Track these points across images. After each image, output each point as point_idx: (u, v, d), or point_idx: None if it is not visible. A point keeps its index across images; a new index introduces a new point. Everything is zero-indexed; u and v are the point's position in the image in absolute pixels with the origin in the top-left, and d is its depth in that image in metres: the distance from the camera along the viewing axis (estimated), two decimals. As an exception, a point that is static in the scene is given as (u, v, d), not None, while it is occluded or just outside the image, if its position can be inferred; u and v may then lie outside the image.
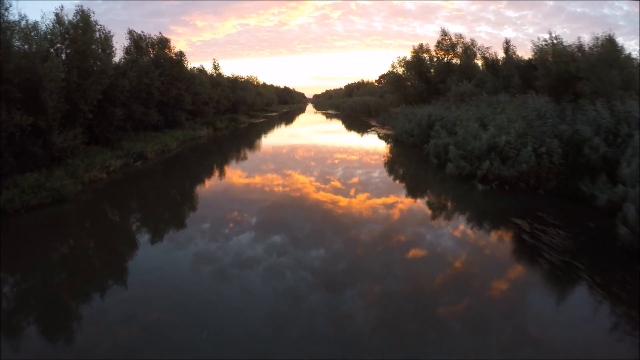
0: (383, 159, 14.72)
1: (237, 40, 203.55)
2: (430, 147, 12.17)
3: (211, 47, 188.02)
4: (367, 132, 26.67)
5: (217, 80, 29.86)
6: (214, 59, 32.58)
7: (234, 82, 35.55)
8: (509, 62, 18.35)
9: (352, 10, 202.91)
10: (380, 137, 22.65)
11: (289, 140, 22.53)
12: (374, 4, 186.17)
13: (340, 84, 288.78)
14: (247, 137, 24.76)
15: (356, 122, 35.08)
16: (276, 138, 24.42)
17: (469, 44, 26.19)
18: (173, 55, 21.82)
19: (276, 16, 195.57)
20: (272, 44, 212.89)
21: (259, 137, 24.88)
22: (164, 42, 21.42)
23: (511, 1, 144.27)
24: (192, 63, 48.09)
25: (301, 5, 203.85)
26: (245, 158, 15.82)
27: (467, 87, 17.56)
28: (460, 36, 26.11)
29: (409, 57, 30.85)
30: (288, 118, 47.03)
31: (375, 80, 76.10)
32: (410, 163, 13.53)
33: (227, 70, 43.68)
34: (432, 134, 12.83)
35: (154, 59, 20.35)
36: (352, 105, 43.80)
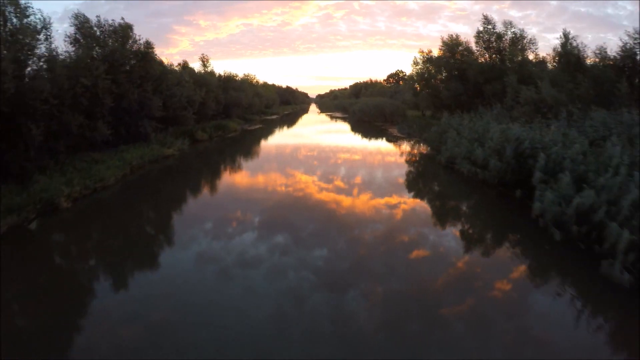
0: (452, 222, 8.27)
1: (240, 40, 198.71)
2: (545, 208, 6.73)
3: (214, 47, 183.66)
4: (394, 146, 21.33)
5: (204, 79, 24.48)
6: (202, 55, 27.31)
7: (227, 81, 30.12)
8: (603, 62, 12.91)
9: (355, 10, 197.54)
10: (416, 158, 16.49)
11: (293, 141, 17.15)
12: (377, 4, 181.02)
13: (343, 83, 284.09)
14: (236, 153, 19.37)
15: (372, 129, 29.51)
16: (279, 142, 19.08)
17: (519, 34, 20.83)
18: (139, 46, 16.43)
19: (279, 16, 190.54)
20: (275, 43, 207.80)
21: (250, 154, 19.45)
22: (125, 30, 15.98)
23: (515, 1, 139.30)
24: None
25: (304, 5, 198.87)
26: (221, 204, 10.49)
27: (549, 93, 12.00)
28: (511, 24, 20.64)
29: (434, 52, 25.67)
30: (290, 120, 41.93)
31: (384, 80, 70.71)
32: (505, 235, 7.39)
33: (230, 70, 38.87)
34: (540, 176, 7.46)
35: (110, 52, 14.99)
36: (363, 108, 38.18)
